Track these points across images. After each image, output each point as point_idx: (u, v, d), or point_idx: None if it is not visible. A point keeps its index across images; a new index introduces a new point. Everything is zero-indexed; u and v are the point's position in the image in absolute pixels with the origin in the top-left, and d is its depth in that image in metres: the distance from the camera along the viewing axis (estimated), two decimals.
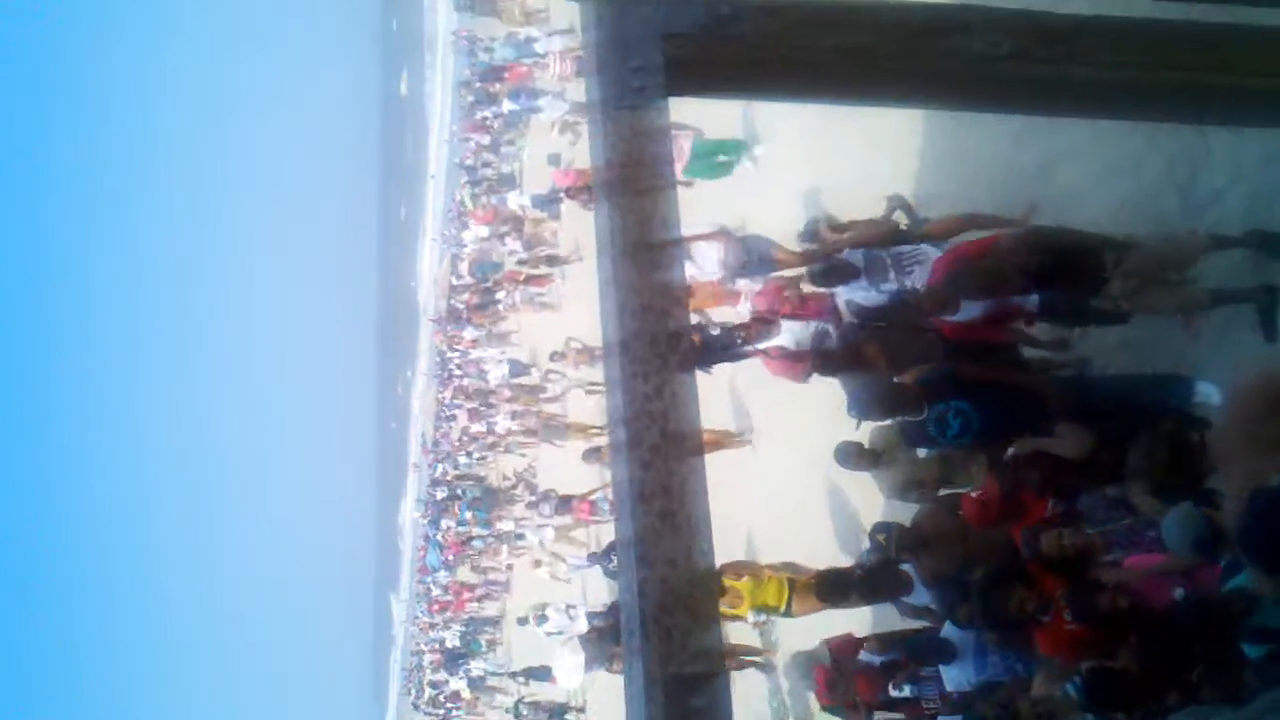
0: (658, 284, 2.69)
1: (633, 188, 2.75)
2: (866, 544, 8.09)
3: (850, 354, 7.63)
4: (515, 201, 27.54)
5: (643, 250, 2.68)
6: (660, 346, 2.66)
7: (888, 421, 7.47)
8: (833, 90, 3.27)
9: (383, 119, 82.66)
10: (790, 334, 8.64)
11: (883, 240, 7.89)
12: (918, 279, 7.48)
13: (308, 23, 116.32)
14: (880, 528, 7.75)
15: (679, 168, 12.38)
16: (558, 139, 23.43)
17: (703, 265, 10.51)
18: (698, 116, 12.68)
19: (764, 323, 8.75)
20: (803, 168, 11.97)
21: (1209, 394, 6.63)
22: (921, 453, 7.67)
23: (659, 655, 2.50)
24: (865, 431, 7.72)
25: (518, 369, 27.37)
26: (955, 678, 7.05)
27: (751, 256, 9.72)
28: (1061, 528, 6.12)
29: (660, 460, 2.58)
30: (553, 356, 21.58)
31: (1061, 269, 6.53)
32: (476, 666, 31.96)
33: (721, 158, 13.30)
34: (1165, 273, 6.28)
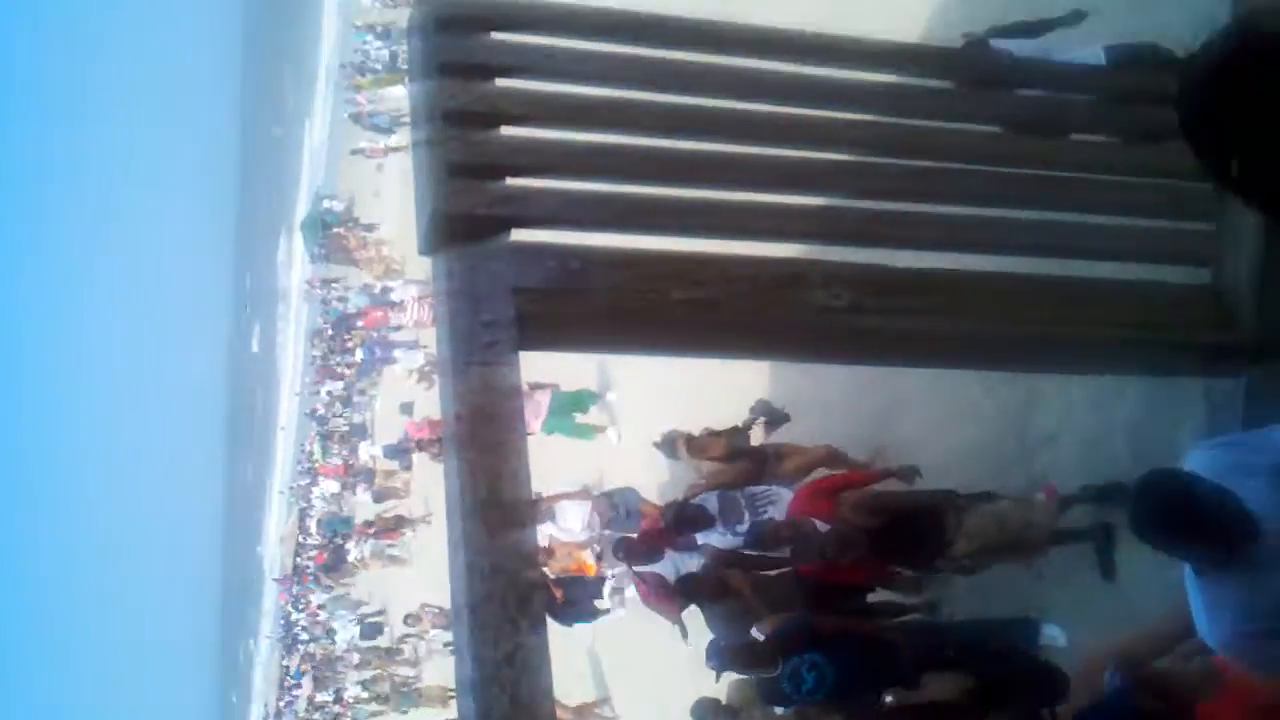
0: (508, 544, 2.59)
1: (483, 444, 2.67)
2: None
3: (714, 583, 7.58)
4: (366, 451, 27.22)
5: (493, 509, 2.59)
6: (511, 610, 2.54)
7: (744, 676, 7.31)
8: (682, 342, 3.28)
9: (231, 378, 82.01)
10: (671, 563, 8.55)
11: (737, 479, 7.97)
12: (773, 517, 7.55)
13: (159, 285, 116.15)
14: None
15: (536, 424, 12.48)
16: (414, 387, 23.41)
17: (566, 524, 10.47)
18: (554, 370, 12.91)
19: (645, 546, 8.66)
20: (658, 408, 12.17)
21: (1054, 636, 6.76)
22: (779, 710, 7.52)
23: None
24: (724, 684, 7.54)
25: (369, 631, 26.41)
26: None
27: (619, 512, 9.69)
28: None
29: None
30: (407, 619, 20.83)
31: (904, 533, 6.66)
32: None
33: (580, 417, 13.46)
34: (1007, 534, 6.43)
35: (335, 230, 32.69)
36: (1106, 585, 6.29)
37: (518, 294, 2.80)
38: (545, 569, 10.08)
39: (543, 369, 12.52)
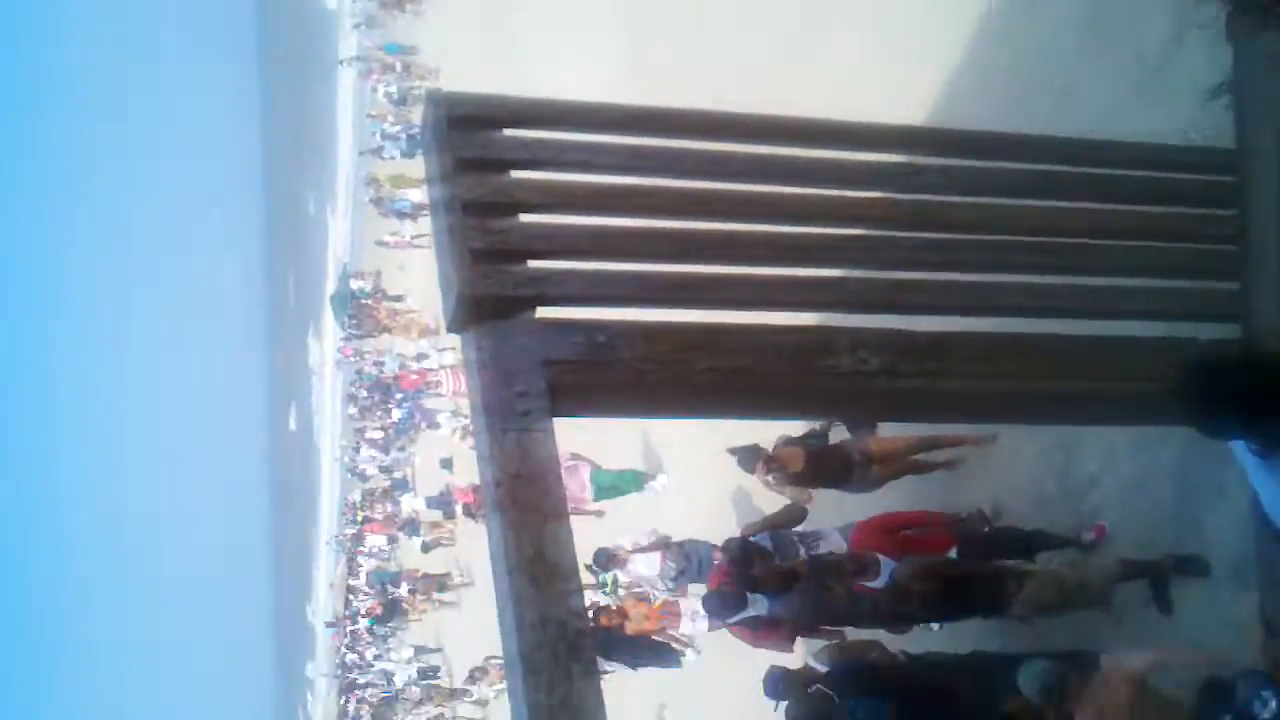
0: (555, 596, 2.72)
1: (524, 505, 2.82)
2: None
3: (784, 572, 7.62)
4: (409, 504, 27.45)
5: (538, 563, 2.73)
6: (562, 658, 2.66)
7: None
8: (712, 407, 3.42)
9: (272, 457, 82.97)
10: (761, 603, 8.48)
11: (790, 521, 7.97)
12: (832, 552, 7.61)
13: (193, 364, 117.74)
14: None
15: (585, 496, 12.49)
16: (456, 444, 23.63)
17: (640, 577, 10.40)
18: (594, 445, 12.86)
19: (728, 596, 8.61)
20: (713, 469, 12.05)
21: None
22: None
23: None
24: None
25: (427, 673, 26.39)
26: None
27: (690, 562, 9.71)
28: None
29: None
30: (473, 675, 20.83)
31: (959, 598, 6.66)
32: None
33: (621, 486, 13.21)
34: (1065, 595, 6.41)
35: (364, 302, 33.27)
36: (1163, 620, 6.28)
37: (548, 366, 2.93)
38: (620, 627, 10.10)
39: (584, 443, 12.54)
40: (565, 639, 2.70)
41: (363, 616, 31.10)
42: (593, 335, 2.99)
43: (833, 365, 3.34)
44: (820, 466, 7.82)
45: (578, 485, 12.25)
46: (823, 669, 7.63)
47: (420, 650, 27.62)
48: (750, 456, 8.10)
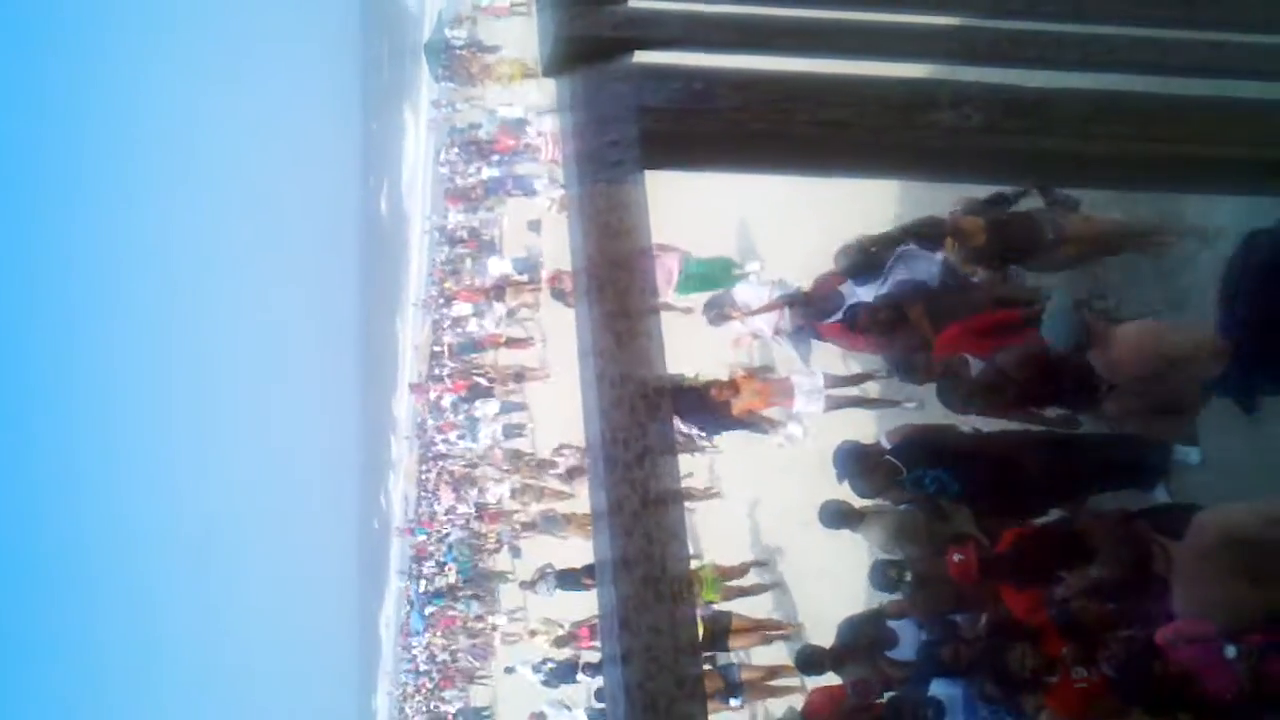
0: (636, 352, 2.72)
1: (610, 259, 2.79)
2: (870, 578, 8.02)
3: (893, 316, 7.58)
4: (496, 267, 27.74)
5: (621, 319, 2.72)
6: (640, 414, 2.69)
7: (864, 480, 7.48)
8: (807, 163, 3.32)
9: (363, 225, 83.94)
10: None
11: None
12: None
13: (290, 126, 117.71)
14: (887, 563, 7.70)
15: (669, 290, 12.15)
16: (553, 216, 23.62)
17: (745, 300, 10.19)
18: (687, 237, 12.49)
19: (822, 297, 8.55)
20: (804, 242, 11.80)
21: (1188, 455, 6.73)
22: (903, 506, 7.72)
23: None
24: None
25: (511, 432, 27.19)
26: None
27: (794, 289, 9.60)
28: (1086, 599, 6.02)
29: (641, 527, 2.59)
30: (560, 450, 21.40)
31: (1055, 392, 6.55)
32: None
33: (711, 275, 12.69)
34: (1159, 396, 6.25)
35: (459, 52, 32.72)
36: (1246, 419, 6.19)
37: (642, 114, 2.85)
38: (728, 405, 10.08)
39: (674, 234, 12.19)
40: (644, 395, 2.71)
41: (448, 391, 31.87)
42: (690, 82, 2.88)
43: (935, 120, 3.22)
44: (1004, 237, 7.10)
45: (664, 276, 11.96)
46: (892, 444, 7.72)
47: (507, 406, 28.18)
48: (936, 229, 7.65)
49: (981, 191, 7.18)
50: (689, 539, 2.69)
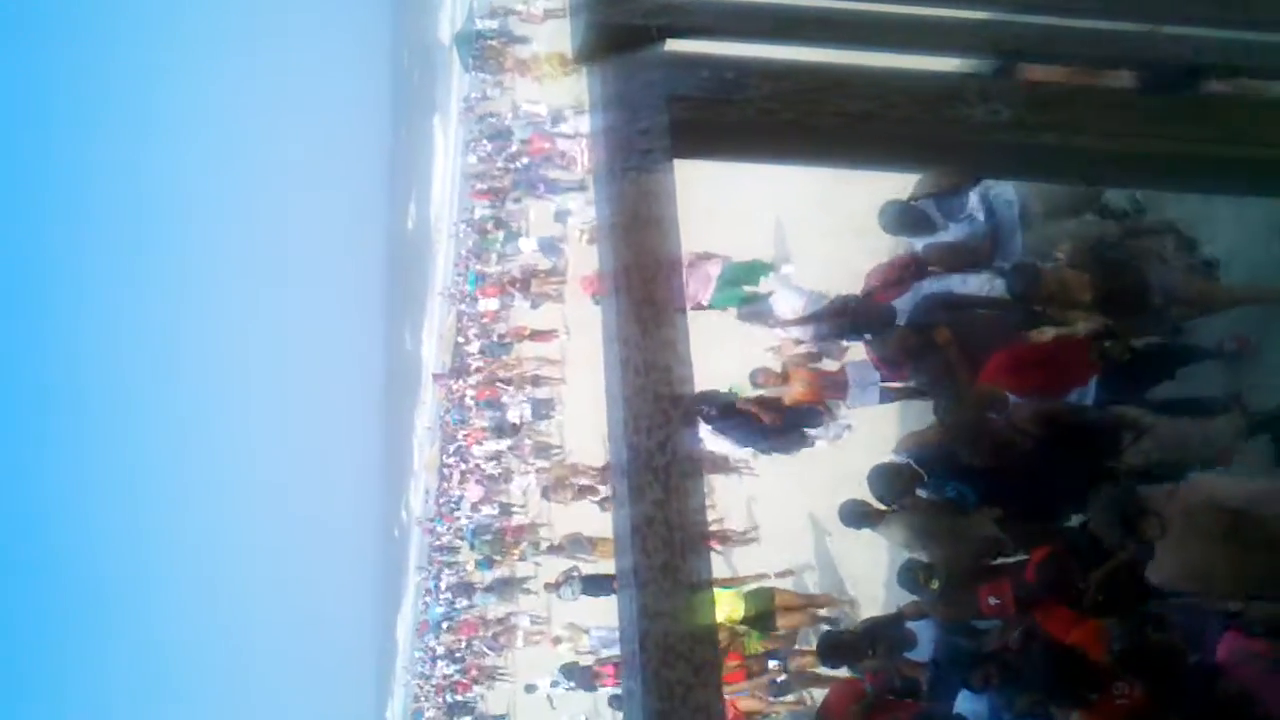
0: (661, 340, 2.73)
1: (637, 247, 2.79)
2: (899, 578, 7.93)
3: (921, 342, 7.32)
4: (525, 246, 27.75)
5: (647, 307, 2.72)
6: (664, 402, 2.69)
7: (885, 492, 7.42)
8: (835, 154, 3.32)
9: (389, 235, 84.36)
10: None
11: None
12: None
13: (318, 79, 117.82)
14: (917, 564, 7.60)
15: (705, 296, 11.91)
16: (586, 245, 23.47)
17: (783, 310, 9.91)
18: (727, 244, 12.40)
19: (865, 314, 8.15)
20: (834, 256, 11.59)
21: None
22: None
23: (659, 711, 2.51)
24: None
25: (540, 410, 27.02)
26: None
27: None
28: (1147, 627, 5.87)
29: (662, 514, 2.60)
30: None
31: (1072, 446, 6.36)
32: None
33: (748, 288, 12.34)
34: (1189, 453, 6.12)
35: (490, 42, 32.75)
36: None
37: (672, 102, 2.86)
38: (775, 397, 9.85)
39: (712, 241, 12.12)
40: (669, 384, 2.71)
41: (471, 390, 31.89)
42: (721, 71, 2.90)
43: (963, 115, 3.21)
44: (1111, 297, 6.29)
45: (701, 281, 11.74)
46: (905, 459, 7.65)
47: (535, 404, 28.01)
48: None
49: (1084, 233, 6.82)
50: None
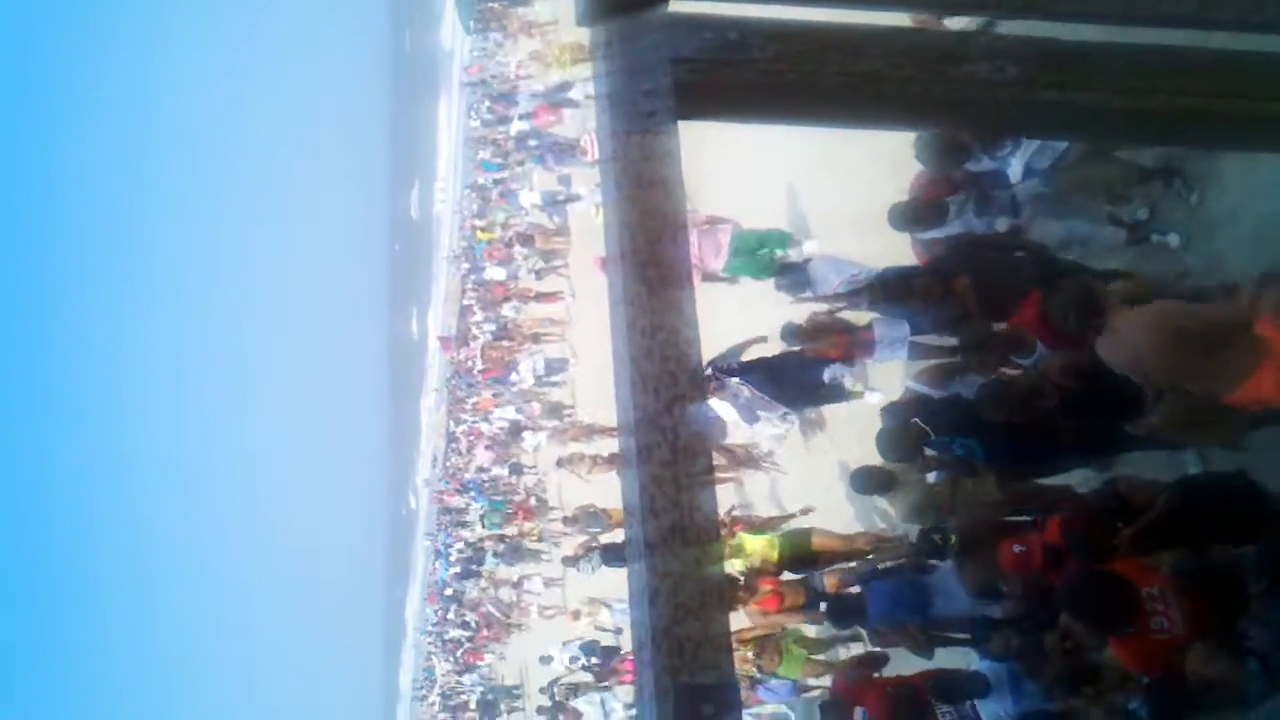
0: (668, 302, 2.74)
1: (642, 208, 2.80)
2: (915, 541, 7.97)
3: (943, 290, 7.34)
4: (527, 199, 27.57)
5: (652, 267, 2.73)
6: (670, 364, 2.70)
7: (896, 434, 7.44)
8: (840, 114, 3.31)
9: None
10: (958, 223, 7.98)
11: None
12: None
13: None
14: (936, 529, 7.60)
15: (717, 263, 11.54)
16: (599, 223, 23.15)
17: (823, 287, 9.72)
18: (737, 209, 12.02)
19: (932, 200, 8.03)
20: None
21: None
22: (932, 476, 7.71)
23: (670, 666, 2.53)
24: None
25: (554, 367, 26.82)
26: (993, 711, 6.88)
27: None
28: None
29: (670, 474, 2.61)
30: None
31: (1098, 404, 6.34)
32: None
33: (763, 251, 11.76)
34: (1198, 418, 6.09)
35: (491, 5, 32.49)
36: None
37: (676, 64, 2.86)
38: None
39: (725, 206, 11.76)
40: (675, 344, 2.72)
41: (477, 359, 31.85)
42: (724, 32, 2.89)
43: (968, 73, 3.20)
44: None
45: (712, 248, 11.38)
46: (921, 390, 7.67)
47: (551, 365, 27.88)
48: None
49: None
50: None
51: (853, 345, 9.31)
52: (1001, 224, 7.49)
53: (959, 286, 7.32)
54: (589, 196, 23.52)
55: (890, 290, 7.96)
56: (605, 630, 19.00)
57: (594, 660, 17.72)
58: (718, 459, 10.58)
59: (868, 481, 7.99)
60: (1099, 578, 5.59)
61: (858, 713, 7.50)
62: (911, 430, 7.24)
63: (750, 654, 9.17)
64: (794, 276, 10.28)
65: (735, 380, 9.56)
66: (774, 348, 9.95)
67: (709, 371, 9.27)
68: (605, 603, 18.44)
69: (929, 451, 7.35)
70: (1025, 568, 6.48)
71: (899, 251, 8.51)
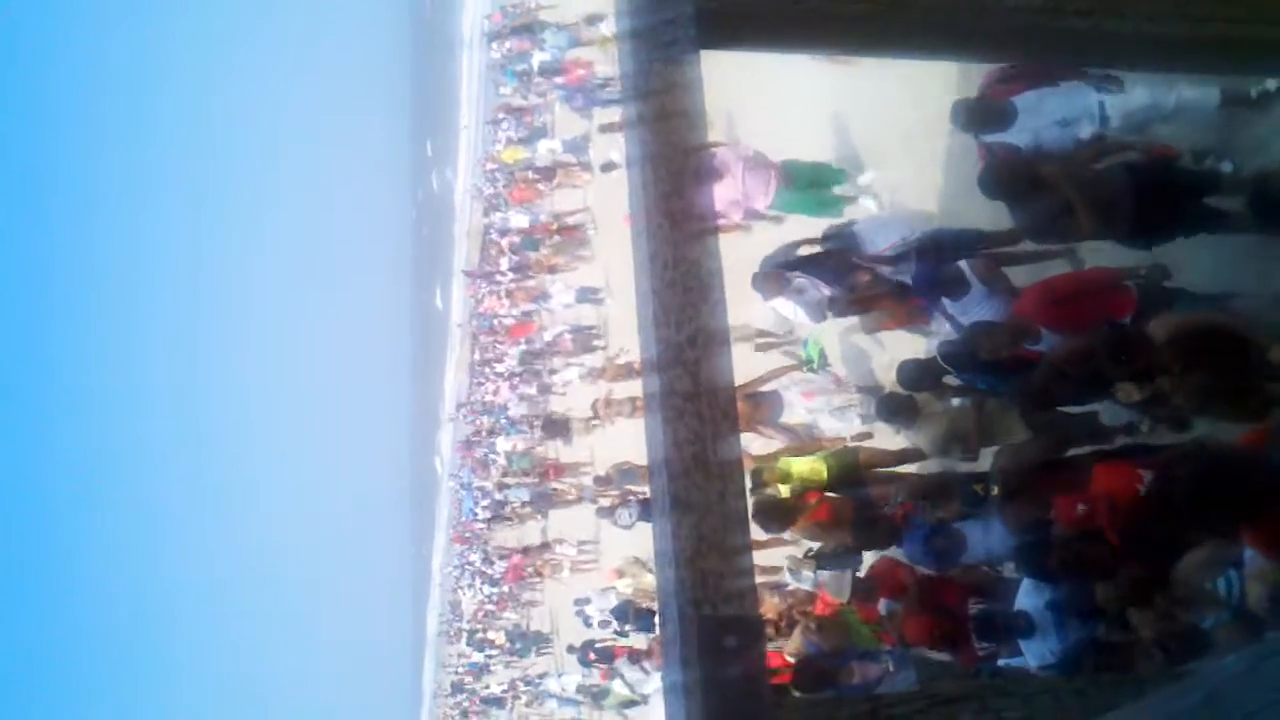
0: (690, 234, 2.72)
1: (665, 139, 2.78)
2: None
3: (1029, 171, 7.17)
4: (546, 147, 27.18)
5: (675, 199, 2.71)
6: (693, 295, 2.70)
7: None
8: (863, 42, 3.28)
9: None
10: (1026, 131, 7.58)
11: None
12: None
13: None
14: (976, 478, 7.50)
15: (764, 200, 10.63)
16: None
17: (871, 246, 9.12)
18: (790, 145, 11.03)
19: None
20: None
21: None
22: (956, 402, 7.65)
23: (693, 598, 2.56)
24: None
25: (586, 295, 26.26)
26: (1038, 651, 6.83)
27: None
28: None
29: (693, 406, 2.62)
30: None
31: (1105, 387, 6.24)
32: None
33: (818, 189, 10.71)
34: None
35: None
36: None
37: None
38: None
39: (773, 145, 10.89)
40: (698, 276, 2.71)
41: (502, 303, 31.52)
42: None
43: (993, 1, 3.15)
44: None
45: (759, 186, 10.44)
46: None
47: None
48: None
49: None
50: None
51: (908, 315, 8.92)
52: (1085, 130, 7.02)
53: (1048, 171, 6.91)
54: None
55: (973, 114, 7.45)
56: (646, 595, 18.26)
57: (627, 626, 17.28)
58: (775, 436, 10.34)
59: (891, 408, 7.91)
60: (1229, 458, 5.10)
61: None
62: (934, 366, 7.22)
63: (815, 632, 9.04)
64: (838, 233, 9.67)
65: (797, 276, 9.09)
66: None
67: (768, 269, 9.02)
68: (649, 567, 17.69)
69: (951, 380, 7.32)
70: (1084, 524, 6.34)
71: (957, 156, 8.10)
